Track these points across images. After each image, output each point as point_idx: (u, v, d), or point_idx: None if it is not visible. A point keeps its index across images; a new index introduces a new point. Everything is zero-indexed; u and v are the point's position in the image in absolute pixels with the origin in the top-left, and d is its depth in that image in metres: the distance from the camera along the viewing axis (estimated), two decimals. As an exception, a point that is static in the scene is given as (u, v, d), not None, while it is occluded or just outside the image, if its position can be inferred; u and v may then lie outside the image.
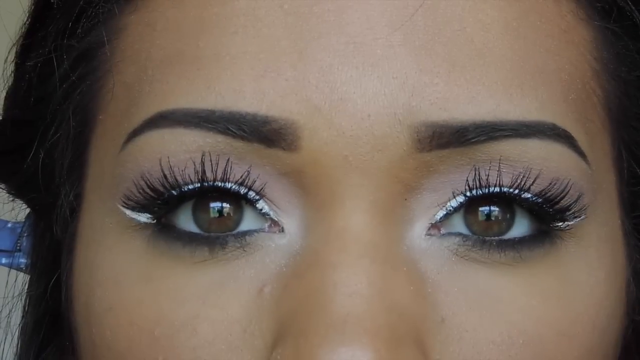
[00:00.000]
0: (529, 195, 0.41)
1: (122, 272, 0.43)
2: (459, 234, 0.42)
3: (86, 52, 0.45)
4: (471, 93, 0.41)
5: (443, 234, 0.42)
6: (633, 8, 0.45)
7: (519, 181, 0.41)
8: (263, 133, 0.40)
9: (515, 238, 0.42)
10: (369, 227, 0.40)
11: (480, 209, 0.42)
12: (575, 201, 0.42)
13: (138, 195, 0.42)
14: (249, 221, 0.42)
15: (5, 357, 0.53)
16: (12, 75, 0.51)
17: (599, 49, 0.45)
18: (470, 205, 0.42)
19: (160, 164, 0.41)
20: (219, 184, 0.41)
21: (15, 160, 0.50)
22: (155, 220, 0.42)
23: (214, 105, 0.41)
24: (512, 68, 0.41)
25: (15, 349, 0.53)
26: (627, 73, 0.46)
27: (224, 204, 0.42)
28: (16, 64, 0.50)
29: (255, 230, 0.42)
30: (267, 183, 0.41)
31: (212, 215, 0.42)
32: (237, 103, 0.41)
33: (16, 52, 0.50)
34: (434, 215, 0.41)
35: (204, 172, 0.41)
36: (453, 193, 0.41)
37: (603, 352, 0.43)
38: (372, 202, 0.40)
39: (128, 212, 0.42)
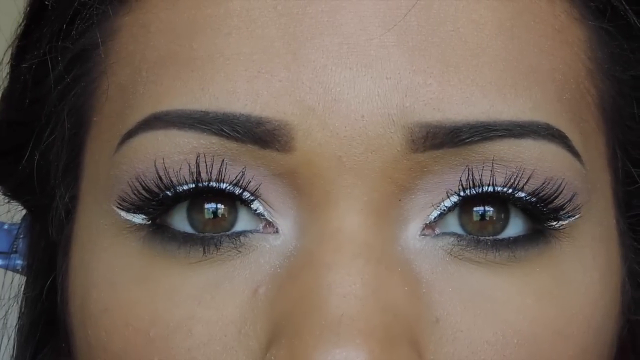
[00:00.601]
0: (523, 195, 0.41)
1: (118, 273, 0.43)
2: (454, 234, 0.42)
3: (81, 53, 0.45)
4: (465, 93, 0.41)
5: (437, 234, 0.42)
6: (627, 8, 0.45)
7: (512, 180, 0.41)
8: (257, 134, 0.40)
9: (509, 238, 0.42)
10: (363, 228, 0.40)
11: (475, 209, 0.42)
12: (569, 200, 0.42)
13: (133, 196, 0.42)
14: (243, 222, 0.42)
15: (2, 359, 0.53)
16: (8, 77, 0.51)
17: (593, 48, 0.45)
18: (464, 205, 0.42)
19: (155, 165, 0.41)
20: (214, 185, 0.41)
21: (10, 161, 0.50)
22: (150, 221, 0.42)
23: (208, 106, 0.41)
24: (506, 68, 0.41)
25: (11, 351, 0.53)
26: (622, 72, 0.46)
27: (219, 205, 0.42)
28: (11, 66, 0.50)
29: (249, 231, 0.42)
30: (261, 184, 0.41)
31: (206, 216, 0.42)
32: (230, 104, 0.41)
33: (11, 54, 0.50)
34: (428, 215, 0.41)
35: (198, 173, 0.41)
36: (447, 193, 0.41)
37: (598, 352, 0.43)
38: (366, 203, 0.40)
39: (123, 213, 0.42)
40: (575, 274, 0.43)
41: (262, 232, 0.42)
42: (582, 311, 0.42)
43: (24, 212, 0.54)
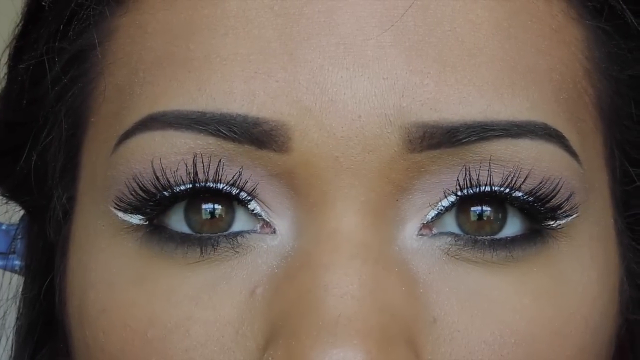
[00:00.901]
0: (520, 194, 0.41)
1: (115, 274, 0.43)
2: (451, 234, 0.42)
3: (78, 54, 0.45)
4: (462, 93, 0.41)
5: (435, 234, 0.42)
6: (624, 7, 0.45)
7: (509, 180, 0.41)
8: (254, 134, 0.40)
9: (507, 237, 0.42)
10: (360, 228, 0.40)
11: (472, 208, 0.42)
12: (567, 200, 0.42)
13: (130, 196, 0.42)
14: (240, 222, 0.42)
15: (1, 359, 0.53)
16: (5, 77, 0.51)
17: (590, 48, 0.45)
18: (462, 205, 0.42)
19: (152, 166, 0.41)
20: (211, 185, 0.41)
21: (8, 162, 0.50)
22: (147, 222, 0.42)
23: (205, 107, 0.41)
24: (503, 68, 0.41)
25: (10, 352, 0.53)
26: (619, 72, 0.46)
27: (216, 205, 0.42)
28: (9, 67, 0.50)
29: (247, 232, 0.42)
30: (258, 184, 0.41)
31: (204, 216, 0.42)
32: (227, 105, 0.41)
33: (9, 55, 0.50)
34: (426, 215, 0.41)
35: (195, 173, 0.41)
36: (444, 193, 0.41)
37: (596, 352, 0.43)
38: (363, 203, 0.40)
39: (120, 214, 0.42)
40: (573, 274, 0.43)
41: (259, 233, 0.42)
42: (580, 311, 0.42)
43: (22, 212, 0.54)
